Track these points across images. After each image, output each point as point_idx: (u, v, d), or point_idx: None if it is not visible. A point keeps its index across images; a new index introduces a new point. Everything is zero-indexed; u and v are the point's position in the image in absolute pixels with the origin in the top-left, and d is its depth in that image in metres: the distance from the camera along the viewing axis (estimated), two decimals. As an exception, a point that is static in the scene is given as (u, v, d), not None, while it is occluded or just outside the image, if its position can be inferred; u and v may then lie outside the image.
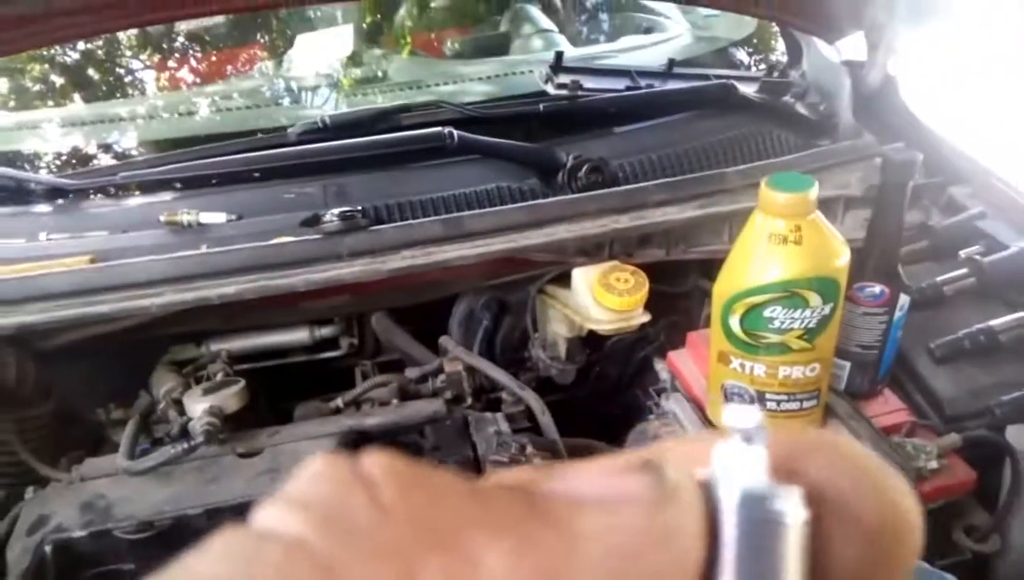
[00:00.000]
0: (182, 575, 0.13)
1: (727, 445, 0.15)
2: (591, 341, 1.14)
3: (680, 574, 0.14)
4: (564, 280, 1.05)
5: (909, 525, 0.15)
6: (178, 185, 1.11)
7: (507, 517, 0.14)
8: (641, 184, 1.03)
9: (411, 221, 0.99)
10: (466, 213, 0.99)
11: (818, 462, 0.15)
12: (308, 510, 0.14)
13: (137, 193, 1.12)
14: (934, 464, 0.79)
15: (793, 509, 0.14)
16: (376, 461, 0.15)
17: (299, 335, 1.14)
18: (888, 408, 0.88)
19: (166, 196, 1.08)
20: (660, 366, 1.08)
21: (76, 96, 1.75)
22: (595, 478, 0.15)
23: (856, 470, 0.15)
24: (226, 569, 0.13)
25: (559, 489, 0.15)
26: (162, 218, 1.01)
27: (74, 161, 1.41)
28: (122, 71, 1.89)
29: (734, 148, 1.16)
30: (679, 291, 1.20)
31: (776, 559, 0.14)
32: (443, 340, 1.13)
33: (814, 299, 0.73)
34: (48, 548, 0.79)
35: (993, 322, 0.90)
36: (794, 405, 0.80)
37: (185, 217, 1.00)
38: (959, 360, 0.91)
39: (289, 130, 1.14)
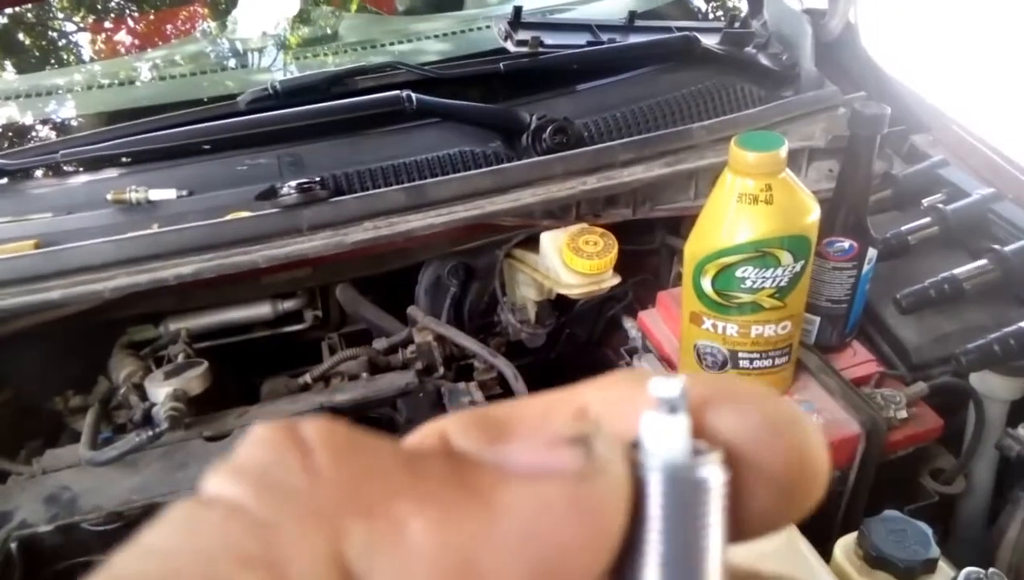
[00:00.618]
0: (134, 548, 0.14)
1: (652, 415, 0.15)
2: (560, 303, 1.13)
3: (596, 551, 0.14)
4: (532, 243, 1.03)
5: (817, 470, 0.16)
6: (126, 160, 1.05)
7: (436, 487, 0.14)
8: (607, 143, 1.02)
9: (372, 191, 0.96)
10: (429, 180, 0.96)
11: (729, 415, 0.16)
12: (246, 476, 0.14)
13: (81, 171, 1.06)
14: (903, 414, 0.81)
15: (714, 473, 0.15)
16: (314, 427, 0.15)
17: (261, 310, 1.11)
18: (857, 360, 0.89)
19: (112, 173, 1.03)
20: (630, 325, 1.08)
21: (7, 64, 1.65)
22: (527, 450, 0.15)
23: (765, 421, 0.16)
24: (172, 537, 0.14)
25: (491, 460, 0.15)
26: (109, 197, 0.96)
27: (11, 136, 1.33)
28: (55, 35, 1.78)
29: (699, 102, 1.14)
30: (647, 249, 1.19)
31: (700, 525, 0.15)
32: (411, 310, 1.10)
33: (785, 257, 0.73)
34: (13, 545, 0.76)
35: (957, 270, 0.91)
36: (766, 362, 0.80)
37: (133, 195, 0.96)
38: (924, 309, 0.92)
39: (238, 98, 1.08)
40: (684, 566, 0.15)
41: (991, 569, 0.63)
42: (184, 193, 0.97)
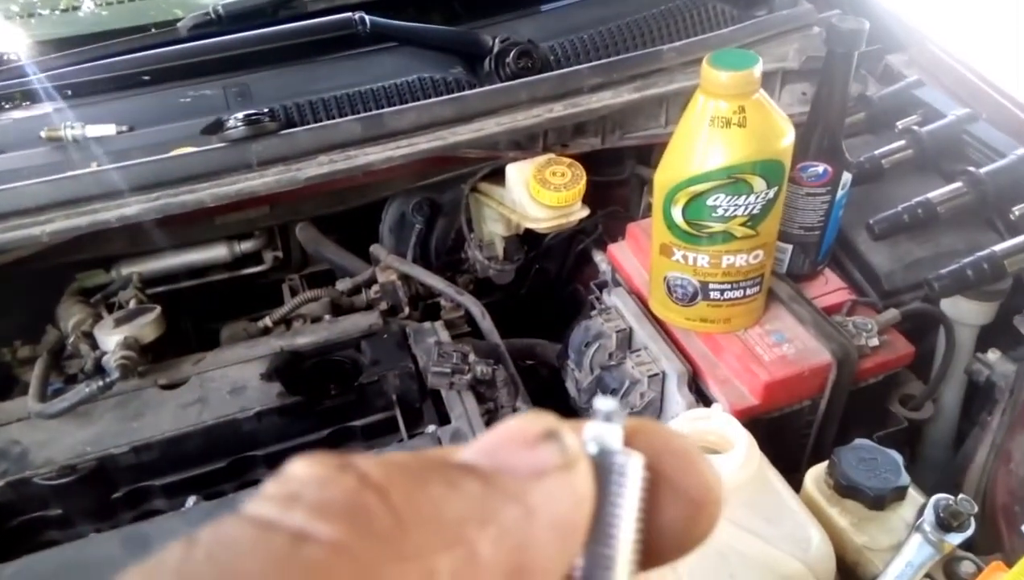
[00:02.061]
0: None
1: (594, 423, 0.19)
2: (529, 238, 1.10)
3: (586, 519, 0.17)
4: (498, 176, 0.99)
5: (717, 497, 0.19)
6: (68, 92, 0.98)
7: (484, 504, 0.16)
8: (574, 67, 0.97)
9: (326, 122, 0.91)
10: (387, 110, 0.91)
11: (654, 443, 0.19)
12: (337, 515, 0.15)
13: (11, 107, 0.99)
14: (875, 341, 0.80)
15: (635, 465, 0.18)
16: (374, 464, 0.16)
17: (218, 252, 1.07)
18: (829, 288, 0.88)
19: (45, 108, 0.96)
20: (600, 258, 1.05)
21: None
22: (514, 451, 0.17)
23: (682, 453, 0.19)
24: (268, 569, 0.14)
25: (489, 464, 0.17)
26: (43, 134, 0.90)
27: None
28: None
29: (669, 23, 1.09)
30: (616, 180, 1.16)
31: (619, 503, 0.18)
32: (374, 248, 1.07)
33: (758, 184, 0.70)
34: (-37, 502, 0.73)
35: (931, 194, 0.89)
36: (737, 293, 0.78)
37: (69, 132, 0.89)
38: (898, 234, 0.91)
39: (179, 24, 1.01)
40: (604, 531, 0.18)
41: (960, 495, 0.63)
42: (124, 128, 0.91)
